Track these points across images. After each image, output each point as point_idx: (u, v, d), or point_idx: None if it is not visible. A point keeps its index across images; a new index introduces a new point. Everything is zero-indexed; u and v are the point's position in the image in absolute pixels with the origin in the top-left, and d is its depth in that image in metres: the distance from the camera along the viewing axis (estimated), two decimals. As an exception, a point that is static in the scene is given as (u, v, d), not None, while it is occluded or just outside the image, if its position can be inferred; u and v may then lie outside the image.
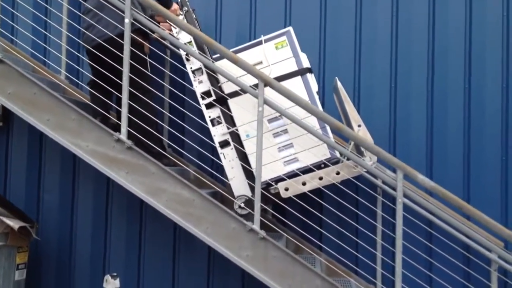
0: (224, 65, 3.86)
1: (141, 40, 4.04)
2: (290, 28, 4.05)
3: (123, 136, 3.67)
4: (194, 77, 4.04)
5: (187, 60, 4.06)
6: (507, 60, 4.68)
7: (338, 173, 3.90)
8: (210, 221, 3.62)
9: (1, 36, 3.91)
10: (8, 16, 4.41)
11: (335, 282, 3.52)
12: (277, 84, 3.67)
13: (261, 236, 3.55)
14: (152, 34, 4.21)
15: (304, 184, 3.90)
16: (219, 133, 4.02)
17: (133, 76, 3.74)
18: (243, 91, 3.86)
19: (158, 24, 3.95)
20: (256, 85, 3.62)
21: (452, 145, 4.66)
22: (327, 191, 4.15)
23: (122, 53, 3.67)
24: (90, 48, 4.09)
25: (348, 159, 3.85)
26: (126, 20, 3.66)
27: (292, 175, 3.91)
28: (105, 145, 3.69)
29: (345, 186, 4.19)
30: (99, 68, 3.99)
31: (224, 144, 4.02)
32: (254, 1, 4.90)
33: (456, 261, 4.27)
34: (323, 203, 4.23)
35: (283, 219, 4.25)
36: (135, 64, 3.77)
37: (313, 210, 4.06)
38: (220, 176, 4.50)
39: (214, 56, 4.05)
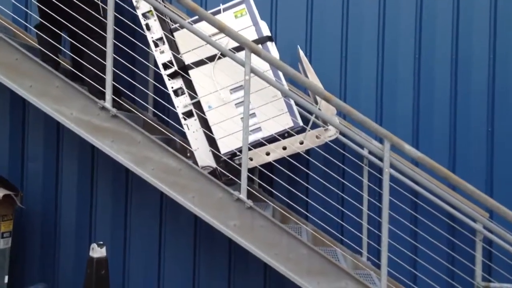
0: (184, 34, 3.82)
1: None
2: None
3: (107, 103, 3.60)
4: (156, 47, 3.96)
5: (148, 30, 3.97)
6: (495, 29, 4.66)
7: (301, 143, 3.89)
8: (197, 190, 3.59)
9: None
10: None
11: (321, 251, 3.54)
12: (264, 52, 3.62)
13: (248, 206, 3.54)
14: None
15: (268, 154, 3.88)
16: (182, 104, 3.98)
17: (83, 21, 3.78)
18: (208, 60, 3.85)
19: None
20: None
21: (438, 116, 4.67)
22: (313, 161, 4.15)
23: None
24: None
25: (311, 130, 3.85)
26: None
27: (256, 145, 3.88)
28: (90, 113, 3.63)
29: (331, 156, 4.19)
30: (47, 10, 3.91)
31: (188, 115, 3.97)
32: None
33: (442, 231, 4.32)
34: (310, 173, 4.23)
35: (270, 188, 4.25)
36: (86, 9, 3.79)
37: (299, 180, 4.05)
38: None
39: (188, 20, 3.99)
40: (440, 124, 4.66)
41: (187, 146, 3.99)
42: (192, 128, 3.98)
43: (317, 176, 4.16)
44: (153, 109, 4.50)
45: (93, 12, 3.86)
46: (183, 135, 4.24)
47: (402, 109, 4.69)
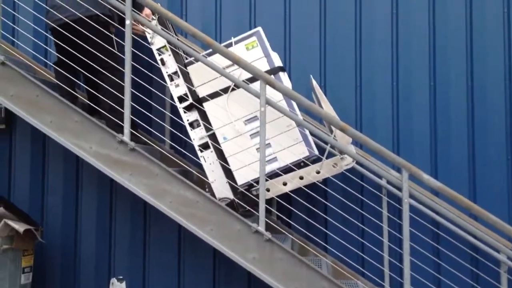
0: (197, 67, 3.88)
1: (107, 19, 4.07)
2: (259, 29, 4.02)
3: (126, 137, 3.65)
4: (171, 81, 4.01)
5: (163, 64, 4.03)
6: (509, 57, 4.63)
7: (318, 172, 3.87)
8: (214, 222, 3.59)
9: (2, 38, 3.88)
10: (9, 18, 4.38)
11: (342, 284, 3.49)
12: (278, 83, 3.65)
13: (267, 238, 3.52)
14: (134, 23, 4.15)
15: (285, 184, 3.87)
16: (198, 136, 4.00)
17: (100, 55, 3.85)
18: (222, 92, 3.89)
19: (139, 13, 3.95)
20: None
21: (456, 144, 4.62)
22: (331, 192, 4.12)
23: (89, 33, 3.84)
24: (56, 27, 4.06)
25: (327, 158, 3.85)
26: (127, 22, 3.65)
27: (272, 175, 3.86)
28: (108, 147, 3.67)
29: (349, 186, 4.16)
30: (63, 46, 3.98)
31: (204, 147, 3.99)
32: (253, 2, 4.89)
33: (464, 262, 4.23)
34: (328, 204, 4.19)
35: (288, 220, 4.22)
36: (102, 43, 3.86)
37: (318, 211, 4.02)
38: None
39: (202, 53, 4.05)
40: (458, 152, 4.60)
41: (204, 178, 3.99)
42: (208, 160, 3.99)
43: (335, 207, 4.12)
44: (170, 142, 4.53)
45: (107, 46, 3.93)
46: (200, 167, 4.26)
47: (419, 137, 4.65)
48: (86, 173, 4.75)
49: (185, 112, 4.00)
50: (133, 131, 3.76)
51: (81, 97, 4.34)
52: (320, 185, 4.10)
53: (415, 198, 3.93)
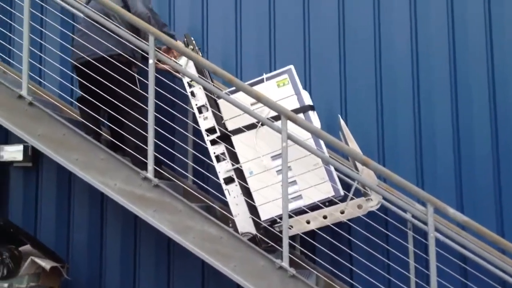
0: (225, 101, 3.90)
1: (129, 58, 4.16)
2: (292, 67, 4.06)
3: (150, 174, 3.69)
4: (200, 113, 4.06)
5: (193, 96, 4.09)
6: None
7: (343, 212, 3.85)
8: (238, 258, 3.59)
9: (30, 79, 3.99)
10: (36, 59, 4.51)
11: (367, 320, 3.43)
12: (300, 119, 3.67)
13: (291, 274, 3.49)
14: (158, 64, 4.24)
15: (308, 222, 3.85)
16: (223, 169, 4.02)
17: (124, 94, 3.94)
18: (250, 127, 3.92)
19: (167, 55, 4.04)
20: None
21: (481, 176, 4.52)
22: (355, 227, 4.09)
23: (111, 71, 3.92)
24: (78, 65, 4.15)
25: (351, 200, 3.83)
26: (150, 61, 3.73)
27: (297, 212, 3.85)
28: (133, 183, 3.72)
29: (374, 221, 4.12)
30: (88, 85, 4.07)
31: (229, 181, 4.01)
32: (273, 37, 4.94)
33: (494, 297, 4.13)
34: (352, 239, 4.15)
35: (313, 255, 4.18)
36: (124, 81, 3.95)
37: (342, 246, 3.98)
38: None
39: (226, 91, 4.09)
40: (484, 185, 4.50)
41: (228, 214, 4.00)
42: (233, 194, 4.00)
43: (360, 242, 4.07)
44: (192, 177, 4.56)
45: (130, 84, 4.01)
46: (223, 203, 4.27)
47: (443, 169, 4.57)
48: (110, 209, 4.80)
49: (212, 145, 4.03)
50: (156, 168, 3.80)
51: (104, 134, 4.42)
52: (344, 219, 4.07)
53: (441, 232, 3.88)
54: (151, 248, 4.76)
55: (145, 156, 3.76)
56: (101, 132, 4.26)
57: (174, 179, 4.20)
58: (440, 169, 4.58)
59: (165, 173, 4.21)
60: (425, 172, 4.60)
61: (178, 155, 4.25)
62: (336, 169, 3.87)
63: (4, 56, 4.83)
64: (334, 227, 3.87)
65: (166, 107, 4.07)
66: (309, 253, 4.13)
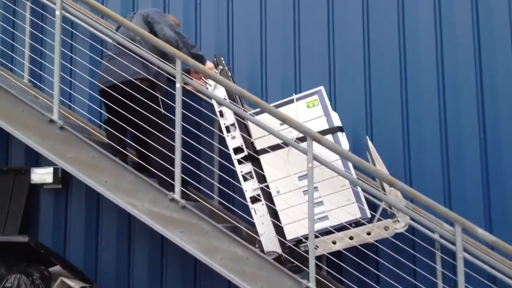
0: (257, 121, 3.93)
1: (153, 79, 4.22)
2: (322, 88, 4.10)
3: (177, 195, 3.74)
4: (228, 132, 4.12)
5: (221, 116, 4.15)
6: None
7: (369, 233, 3.85)
8: (265, 278, 3.60)
9: (60, 103, 4.11)
10: (66, 84, 4.63)
11: None
12: (325, 140, 3.69)
13: (317, 295, 3.49)
14: (185, 86, 4.31)
15: (334, 242, 3.85)
16: (250, 188, 4.05)
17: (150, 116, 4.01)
18: (277, 147, 3.95)
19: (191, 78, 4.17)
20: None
21: (510, 196, 4.47)
22: (382, 247, 4.07)
23: (136, 94, 4.01)
24: (105, 88, 4.23)
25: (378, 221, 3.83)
26: (178, 85, 3.80)
27: (323, 232, 3.86)
28: (160, 205, 3.77)
29: (401, 241, 4.09)
30: (114, 107, 4.15)
31: (255, 199, 4.04)
32: (298, 59, 4.99)
33: (524, 319, 4.04)
34: (379, 259, 4.13)
35: (339, 276, 4.17)
36: (149, 104, 4.01)
37: (369, 267, 3.96)
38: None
39: (252, 111, 4.15)
40: (512, 203, 4.47)
41: (254, 235, 4.01)
42: (259, 213, 4.03)
43: (387, 263, 4.05)
44: (218, 198, 4.60)
45: (154, 106, 4.08)
46: (248, 223, 4.30)
47: (471, 188, 4.53)
48: (138, 230, 4.85)
49: (239, 164, 4.08)
50: (183, 189, 3.85)
51: (130, 155, 4.50)
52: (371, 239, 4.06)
53: (469, 252, 3.84)
54: (178, 268, 4.80)
55: (171, 177, 3.82)
56: (127, 153, 4.34)
57: (200, 200, 4.25)
58: (468, 188, 4.54)
59: (192, 194, 4.26)
60: (453, 191, 4.56)
61: (205, 176, 4.29)
62: (363, 190, 3.87)
63: (36, 82, 4.95)
64: (361, 248, 3.86)
65: (192, 129, 4.14)
66: (335, 274, 4.11)
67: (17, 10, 5.20)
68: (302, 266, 3.73)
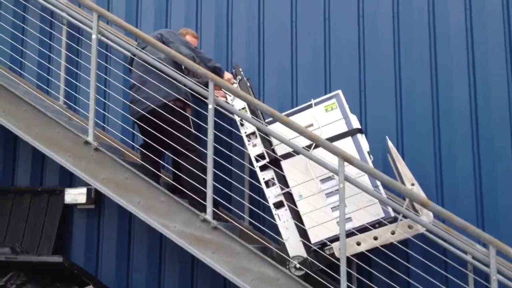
0: (277, 126, 4.00)
1: (185, 101, 4.33)
2: (339, 91, 4.15)
3: (208, 216, 3.77)
4: (249, 140, 4.16)
5: (241, 125, 4.21)
6: None
7: (393, 233, 3.83)
8: (295, 300, 3.60)
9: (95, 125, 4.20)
10: (100, 105, 4.74)
11: None
12: (356, 160, 3.71)
13: (349, 316, 3.47)
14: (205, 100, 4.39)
15: (359, 244, 3.83)
16: (273, 194, 4.08)
17: (182, 137, 4.10)
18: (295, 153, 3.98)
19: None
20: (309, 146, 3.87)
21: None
22: (414, 268, 4.03)
23: (171, 116, 4.10)
24: (144, 114, 4.28)
25: (404, 217, 3.79)
26: (210, 106, 3.86)
27: (347, 235, 3.82)
28: (192, 225, 3.82)
29: (433, 262, 4.05)
30: (151, 131, 4.22)
31: (279, 205, 4.06)
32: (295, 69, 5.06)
33: None
34: (411, 281, 4.08)
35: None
36: (183, 125, 4.11)
37: (401, 288, 3.94)
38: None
39: (266, 120, 4.21)
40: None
41: (284, 255, 4.02)
42: (283, 218, 4.06)
43: (418, 285, 4.00)
44: (249, 218, 4.62)
45: (186, 127, 4.16)
46: (278, 244, 4.30)
47: (503, 208, 4.47)
48: (169, 249, 4.89)
49: (261, 171, 4.12)
50: (214, 210, 3.89)
51: (164, 176, 4.57)
52: (402, 261, 4.03)
53: (503, 274, 3.78)
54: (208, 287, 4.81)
55: (202, 197, 3.87)
56: (161, 174, 4.40)
57: (231, 221, 4.28)
58: (500, 207, 4.47)
59: (222, 214, 4.30)
60: (486, 211, 4.50)
61: (235, 196, 4.32)
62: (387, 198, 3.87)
63: (71, 103, 5.08)
64: (392, 269, 3.83)
65: (223, 150, 4.19)
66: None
67: (53, 33, 5.36)
68: (329, 271, 3.75)
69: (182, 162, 4.16)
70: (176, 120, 4.14)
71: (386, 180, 3.66)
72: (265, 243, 4.31)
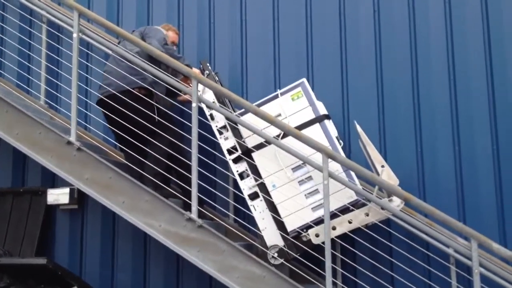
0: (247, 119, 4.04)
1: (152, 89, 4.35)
2: (304, 80, 4.21)
3: (193, 215, 3.77)
4: (220, 134, 4.19)
5: (212, 119, 4.23)
6: None
7: (367, 215, 3.88)
8: (282, 297, 3.62)
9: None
10: (82, 104, 4.69)
11: None
12: (340, 157, 3.74)
13: (335, 311, 3.50)
14: (179, 92, 4.40)
15: (334, 228, 3.88)
16: (247, 186, 4.12)
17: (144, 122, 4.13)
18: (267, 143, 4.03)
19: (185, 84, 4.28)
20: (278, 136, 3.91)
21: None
22: (397, 263, 4.08)
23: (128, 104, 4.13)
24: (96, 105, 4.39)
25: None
26: (194, 105, 3.87)
27: (321, 221, 3.88)
28: (177, 224, 3.81)
29: (415, 256, 4.11)
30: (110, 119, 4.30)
31: (254, 196, 4.10)
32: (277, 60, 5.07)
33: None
34: (394, 275, 4.14)
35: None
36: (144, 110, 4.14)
37: (384, 283, 3.97)
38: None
39: (238, 112, 4.24)
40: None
41: (266, 251, 4.02)
42: (258, 209, 4.10)
43: (402, 278, 4.05)
44: (234, 216, 4.63)
45: (148, 112, 4.17)
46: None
47: (484, 202, 4.51)
48: (153, 249, 4.88)
49: (234, 164, 4.15)
50: (199, 208, 3.89)
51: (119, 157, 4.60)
52: (385, 255, 4.09)
53: (485, 267, 3.84)
54: (194, 287, 4.80)
55: (160, 180, 3.99)
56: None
57: (216, 219, 4.28)
58: (482, 201, 4.52)
59: (207, 212, 4.30)
60: (467, 205, 4.55)
61: (220, 194, 4.33)
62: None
63: (52, 103, 5.03)
64: (375, 263, 3.89)
65: (208, 148, 4.19)
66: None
67: (33, 32, 5.30)
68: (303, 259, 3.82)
69: (146, 148, 4.18)
70: (138, 106, 4.15)
71: (370, 176, 3.71)
72: (250, 240, 4.32)
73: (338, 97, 4.87)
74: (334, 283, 3.99)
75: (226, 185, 4.44)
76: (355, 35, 4.95)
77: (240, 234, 4.35)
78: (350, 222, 3.91)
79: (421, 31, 4.84)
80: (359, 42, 4.93)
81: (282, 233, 3.99)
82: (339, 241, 4.10)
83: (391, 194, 3.82)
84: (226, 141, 4.21)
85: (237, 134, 4.17)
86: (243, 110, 4.16)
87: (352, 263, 4.15)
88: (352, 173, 3.95)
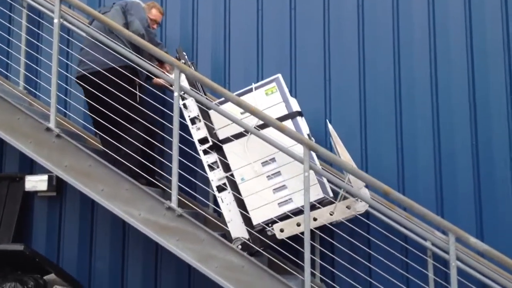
0: (227, 108, 4.03)
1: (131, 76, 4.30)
2: (279, 75, 4.21)
3: (173, 204, 3.76)
4: (192, 124, 4.18)
5: (185, 108, 4.21)
6: None
7: (332, 214, 3.92)
8: (260, 286, 3.62)
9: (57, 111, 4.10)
10: (62, 91, 4.63)
11: None
12: (321, 149, 3.74)
13: (313, 301, 3.52)
14: (154, 77, 4.41)
15: (299, 225, 3.90)
16: (216, 178, 4.13)
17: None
18: (240, 135, 4.05)
19: (160, 69, 4.25)
20: (260, 126, 3.95)
21: (502, 204, 4.52)
22: (376, 255, 4.12)
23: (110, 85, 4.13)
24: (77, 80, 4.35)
25: (344, 199, 3.91)
26: (175, 94, 3.84)
27: (286, 216, 3.93)
28: (157, 213, 3.78)
29: (393, 249, 4.15)
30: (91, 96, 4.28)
31: (222, 188, 4.12)
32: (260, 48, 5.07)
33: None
34: (372, 267, 4.18)
35: (331, 282, 4.21)
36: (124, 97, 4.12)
37: (362, 274, 4.01)
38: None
39: (217, 101, 4.24)
40: (504, 212, 4.50)
41: (246, 240, 4.02)
42: (225, 201, 4.12)
43: (380, 270, 4.09)
44: (213, 206, 4.62)
45: (130, 94, 4.16)
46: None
47: (462, 196, 4.57)
48: (132, 238, 4.86)
49: (205, 155, 4.15)
50: (180, 197, 3.86)
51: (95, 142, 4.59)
52: (364, 247, 4.12)
53: (462, 261, 3.89)
54: (173, 276, 4.80)
55: (132, 163, 3.99)
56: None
57: (196, 208, 4.27)
58: (460, 196, 4.58)
59: (186, 201, 4.29)
60: (445, 199, 4.60)
61: (200, 184, 4.32)
62: (328, 181, 3.97)
63: (31, 89, 4.95)
64: (353, 254, 3.92)
65: (188, 137, 4.17)
66: (328, 280, 4.16)
67: (13, 17, 5.20)
68: (264, 252, 3.94)
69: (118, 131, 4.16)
70: (122, 84, 4.13)
71: (351, 168, 3.72)
72: (223, 226, 4.31)
73: (320, 93, 4.87)
74: (312, 274, 4.05)
75: (206, 175, 4.42)
76: (339, 31, 4.95)
77: (220, 223, 4.33)
78: (315, 220, 3.91)
79: (405, 28, 4.86)
80: (342, 37, 4.94)
81: (247, 227, 4.00)
82: (319, 232, 4.14)
83: (371, 185, 3.84)
84: (198, 132, 4.19)
85: (209, 125, 4.16)
86: (222, 99, 4.14)
87: (331, 254, 4.19)
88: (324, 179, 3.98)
